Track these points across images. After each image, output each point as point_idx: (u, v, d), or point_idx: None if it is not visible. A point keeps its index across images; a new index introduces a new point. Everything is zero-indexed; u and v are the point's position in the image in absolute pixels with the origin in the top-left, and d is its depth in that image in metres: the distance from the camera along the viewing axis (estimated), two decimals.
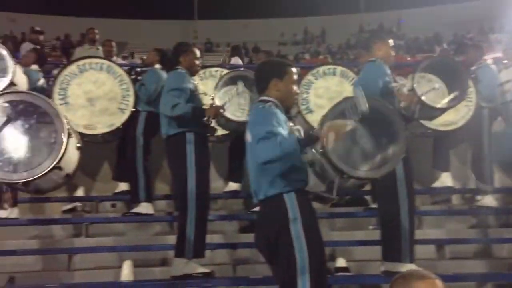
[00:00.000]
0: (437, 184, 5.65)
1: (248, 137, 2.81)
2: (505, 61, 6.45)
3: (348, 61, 9.14)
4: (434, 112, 4.25)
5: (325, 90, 5.60)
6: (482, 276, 4.01)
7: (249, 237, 3.93)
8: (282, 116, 2.77)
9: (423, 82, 4.33)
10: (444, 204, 5.81)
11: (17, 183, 2.40)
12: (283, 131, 2.66)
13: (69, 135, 2.49)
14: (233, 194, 5.51)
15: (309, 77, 5.66)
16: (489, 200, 5.18)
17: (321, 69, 5.72)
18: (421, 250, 4.68)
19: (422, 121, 4.88)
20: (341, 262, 4.26)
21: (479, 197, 5.29)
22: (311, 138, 2.62)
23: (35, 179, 2.41)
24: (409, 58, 8.82)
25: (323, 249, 2.82)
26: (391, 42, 4.16)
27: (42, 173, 2.41)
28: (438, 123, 5.10)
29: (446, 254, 4.76)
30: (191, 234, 3.95)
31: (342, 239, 4.91)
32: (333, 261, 4.36)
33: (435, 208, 5.70)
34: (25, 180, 2.40)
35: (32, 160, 2.42)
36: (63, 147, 2.45)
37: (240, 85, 4.57)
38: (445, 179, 5.63)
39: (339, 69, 5.74)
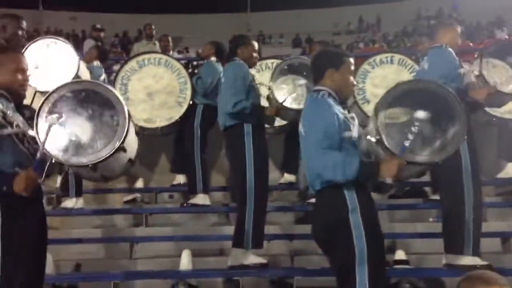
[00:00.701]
0: (501, 175, 5.42)
1: (302, 128, 2.80)
2: None
3: (405, 49, 8.82)
4: (503, 99, 4.08)
5: (382, 79, 5.45)
6: None
7: (305, 229, 3.94)
8: (336, 107, 2.74)
9: (488, 67, 4.16)
10: (508, 195, 5.55)
11: (86, 165, 2.52)
12: (341, 133, 2.63)
13: (130, 117, 2.59)
14: (289, 185, 5.51)
15: (365, 66, 5.54)
16: None
17: (378, 57, 5.58)
18: (485, 243, 4.51)
19: (488, 109, 4.69)
20: (400, 254, 4.17)
21: None
22: (373, 171, 2.59)
23: (103, 160, 2.52)
24: (471, 44, 8.42)
25: (382, 240, 2.77)
26: (457, 28, 4.02)
27: (109, 153, 2.53)
28: (504, 111, 4.87)
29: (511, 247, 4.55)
30: (249, 225, 3.98)
31: (401, 231, 4.81)
32: (392, 253, 4.27)
33: (499, 199, 5.47)
34: (94, 162, 2.51)
35: (97, 143, 2.54)
36: (126, 127, 2.55)
37: (299, 78, 4.54)
38: (510, 170, 5.39)
39: (396, 57, 5.58)
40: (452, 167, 3.64)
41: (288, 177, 5.52)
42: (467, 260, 3.66)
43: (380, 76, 5.48)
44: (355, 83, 2.99)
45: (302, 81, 4.47)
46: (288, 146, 5.44)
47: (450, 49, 3.88)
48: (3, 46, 3.32)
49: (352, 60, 2.92)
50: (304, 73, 4.50)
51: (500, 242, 4.62)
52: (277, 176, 5.60)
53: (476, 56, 5.10)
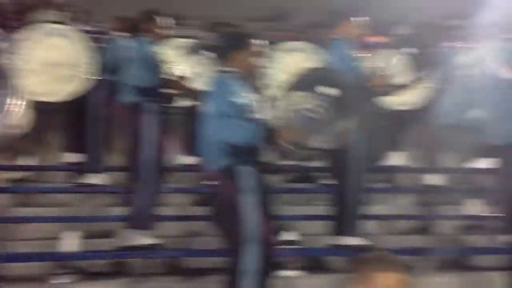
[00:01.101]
0: (387, 163, 5.81)
1: (203, 107, 2.82)
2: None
3: (315, 39, 9.14)
4: (394, 90, 4.36)
5: (290, 66, 5.59)
6: (421, 251, 4.18)
7: (203, 210, 3.96)
8: (239, 87, 2.79)
9: (385, 61, 4.42)
10: (389, 182, 5.98)
11: None
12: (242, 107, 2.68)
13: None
14: (188, 167, 5.49)
15: (275, 52, 5.66)
16: (435, 179, 5.36)
17: (288, 44, 5.72)
18: (367, 225, 4.86)
19: (381, 99, 4.98)
20: (289, 235, 4.34)
21: (426, 176, 5.47)
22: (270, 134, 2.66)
23: None
24: (374, 38, 8.86)
25: (272, 221, 2.87)
26: (357, 21, 4.21)
27: None
28: (398, 103, 5.19)
29: (389, 229, 4.92)
30: (141, 205, 3.92)
31: (291, 213, 4.99)
32: (281, 234, 4.44)
33: (381, 185, 5.87)
34: None
35: None
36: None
37: (204, 57, 4.53)
38: (397, 158, 5.79)
39: (305, 45, 5.76)
40: (341, 154, 3.87)
41: (187, 159, 5.50)
42: (352, 240, 3.92)
43: (289, 63, 5.61)
44: (259, 65, 3.06)
45: (206, 60, 4.48)
46: (187, 127, 5.41)
47: (348, 41, 4.06)
48: None
49: (258, 43, 2.99)
50: (210, 54, 4.49)
51: (379, 224, 4.96)
52: (176, 157, 5.55)
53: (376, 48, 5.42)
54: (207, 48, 4.67)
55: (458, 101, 3.86)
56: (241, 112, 2.72)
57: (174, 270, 4.05)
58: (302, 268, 4.10)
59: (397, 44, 4.28)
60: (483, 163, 5.16)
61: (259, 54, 3.01)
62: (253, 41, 2.95)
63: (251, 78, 3.24)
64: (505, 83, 2.81)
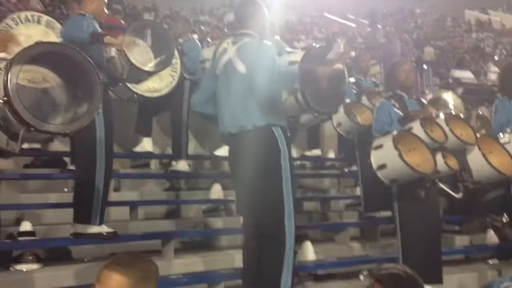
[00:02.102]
0: (138, 149, 5.81)
1: None
2: (209, 40, 7.05)
3: (61, 14, 8.49)
4: (141, 75, 4.35)
5: (26, 38, 5.03)
6: (169, 234, 4.29)
7: None
8: None
9: (132, 46, 4.35)
10: (143, 168, 6.01)
11: None
12: None
13: None
14: None
15: (8, 21, 5.00)
16: (182, 165, 5.57)
17: (23, 14, 5.11)
18: (117, 212, 4.76)
19: (130, 86, 4.91)
20: (26, 226, 3.91)
21: (173, 162, 5.65)
22: None
23: None
24: (123, 22, 8.76)
25: None
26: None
27: None
28: (144, 89, 5.19)
29: (139, 215, 4.92)
30: None
31: (33, 202, 4.57)
32: (18, 225, 4.00)
33: (134, 171, 5.85)
34: None
35: None
36: None
37: None
38: (146, 144, 5.83)
39: (44, 17, 5.23)
40: (86, 138, 3.67)
41: None
42: (93, 229, 3.75)
43: (25, 34, 5.04)
44: None
45: None
46: None
47: (93, 17, 3.91)
48: None
49: None
50: None
51: (129, 210, 4.92)
52: None
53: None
54: None
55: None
56: None
57: None
58: (41, 260, 3.74)
59: (136, 30, 4.28)
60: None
61: None
62: None
63: None
64: (237, 76, 3.04)
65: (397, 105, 4.04)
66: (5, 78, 2.40)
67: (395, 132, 3.76)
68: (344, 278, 4.32)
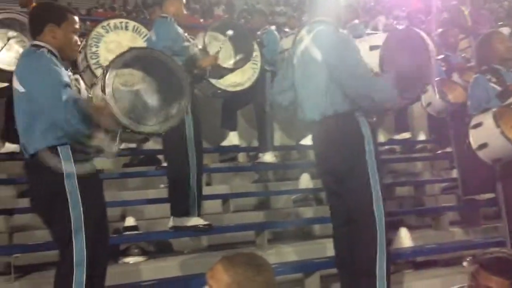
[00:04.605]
0: (225, 143, 5.96)
1: (17, 84, 2.51)
2: (287, 30, 7.05)
3: (143, 19, 8.89)
4: (223, 71, 4.46)
5: (116, 44, 5.32)
6: (260, 225, 4.37)
7: (26, 203, 3.59)
8: (58, 66, 2.53)
9: (213, 42, 4.47)
10: (231, 161, 6.15)
11: None
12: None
13: None
14: (11, 155, 4.95)
15: (99, 29, 5.31)
16: (268, 157, 5.64)
17: (112, 22, 5.41)
18: (209, 205, 4.93)
19: (213, 82, 5.05)
20: (129, 221, 4.18)
21: (260, 154, 5.73)
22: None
23: None
24: (202, 20, 8.98)
25: (103, 206, 2.68)
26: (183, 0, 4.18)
27: None
28: (227, 84, 5.31)
29: (230, 207, 5.06)
30: None
31: (133, 199, 4.85)
32: (123, 221, 4.28)
33: (223, 165, 6.01)
34: None
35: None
36: None
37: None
38: (233, 138, 5.96)
39: (131, 23, 5.51)
40: (177, 136, 3.82)
41: (11, 147, 4.97)
42: (191, 221, 3.92)
43: (115, 41, 5.34)
44: (79, 42, 2.81)
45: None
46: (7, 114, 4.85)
47: (173, 20, 4.01)
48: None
49: (76, 18, 2.72)
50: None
51: (221, 203, 5.08)
52: None
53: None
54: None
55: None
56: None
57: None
58: (146, 253, 3.99)
59: (218, 25, 4.34)
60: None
61: (78, 30, 2.74)
62: (73, 15, 2.69)
63: (73, 57, 2.98)
64: (314, 63, 3.00)
65: (493, 79, 3.80)
66: (102, 84, 2.56)
67: (494, 109, 3.54)
68: (445, 265, 4.16)
